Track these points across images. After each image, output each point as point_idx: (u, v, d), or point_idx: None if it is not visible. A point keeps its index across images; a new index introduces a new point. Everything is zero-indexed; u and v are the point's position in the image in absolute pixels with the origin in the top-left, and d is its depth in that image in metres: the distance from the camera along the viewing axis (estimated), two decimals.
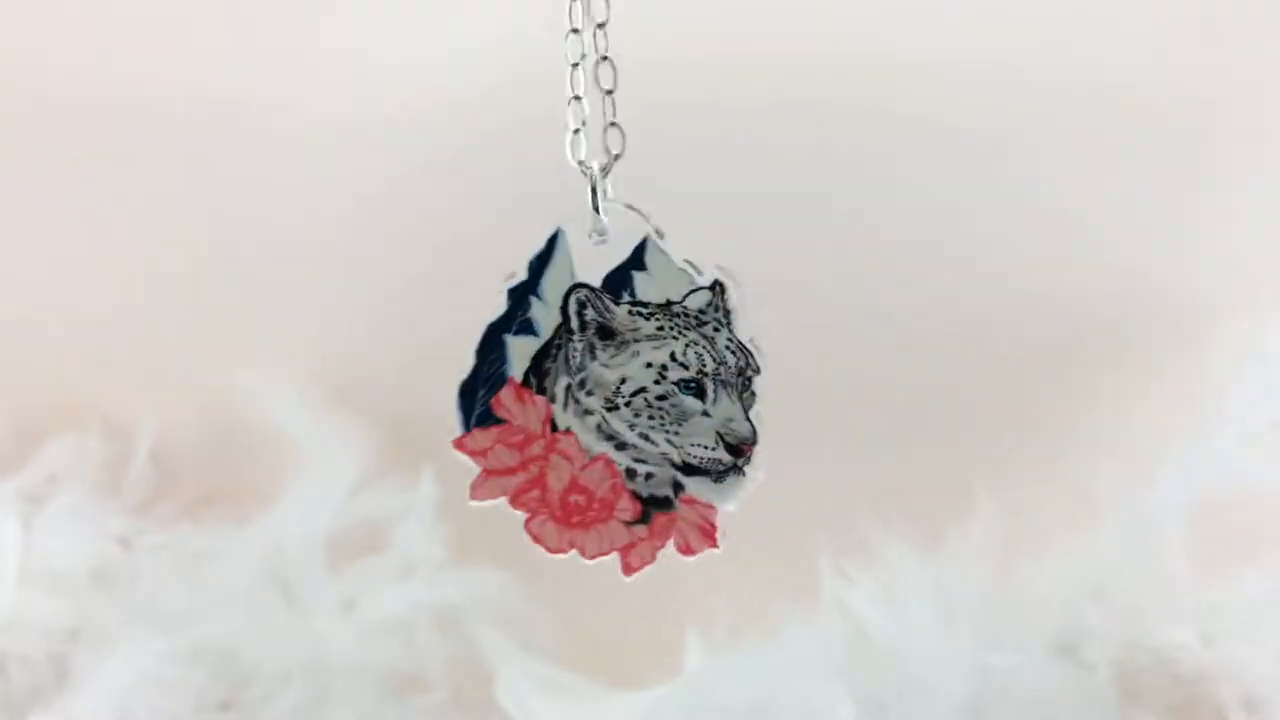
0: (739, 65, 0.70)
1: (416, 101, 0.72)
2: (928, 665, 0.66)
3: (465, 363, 0.52)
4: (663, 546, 0.52)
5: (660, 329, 0.52)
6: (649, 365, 0.52)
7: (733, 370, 0.52)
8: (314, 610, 0.70)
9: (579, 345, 0.52)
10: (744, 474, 0.52)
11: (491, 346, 0.52)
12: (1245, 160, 0.72)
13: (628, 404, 0.52)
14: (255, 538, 0.70)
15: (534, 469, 0.52)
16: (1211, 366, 0.70)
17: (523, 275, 0.52)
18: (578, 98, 0.52)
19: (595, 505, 0.52)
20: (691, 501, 0.52)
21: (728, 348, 0.52)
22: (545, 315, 0.52)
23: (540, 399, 0.52)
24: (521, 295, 0.52)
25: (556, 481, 0.52)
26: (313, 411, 0.72)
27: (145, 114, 0.72)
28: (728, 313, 0.52)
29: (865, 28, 0.71)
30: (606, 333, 0.52)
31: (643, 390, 0.52)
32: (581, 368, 0.52)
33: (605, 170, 0.52)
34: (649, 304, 0.52)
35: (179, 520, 0.72)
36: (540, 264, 0.52)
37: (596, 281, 0.52)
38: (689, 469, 0.52)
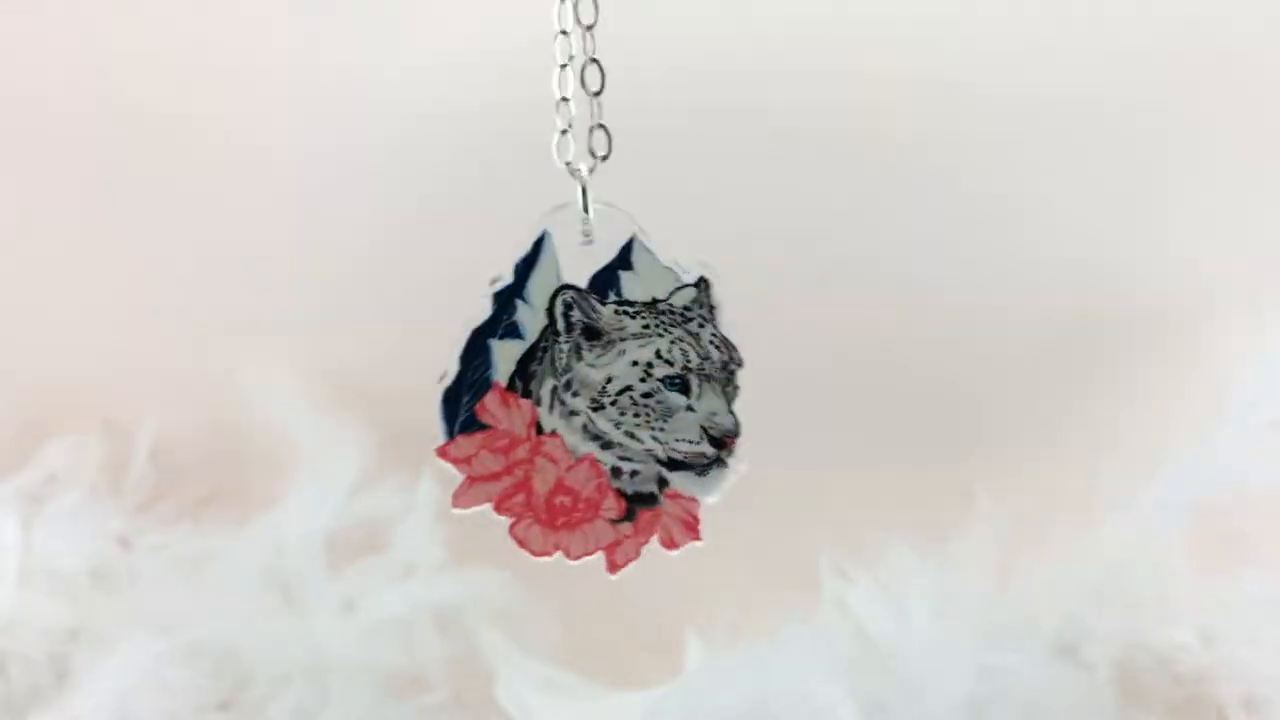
0: (727, 69, 0.71)
1: (416, 103, 0.72)
2: (928, 665, 0.66)
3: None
4: (647, 542, 0.52)
5: (646, 327, 0.52)
6: (635, 363, 0.52)
7: (716, 364, 0.52)
8: (314, 610, 0.70)
9: (565, 347, 0.52)
10: (726, 466, 0.52)
11: (476, 352, 0.52)
12: (1246, 160, 0.72)
13: (614, 403, 0.52)
14: (255, 538, 0.70)
15: (519, 473, 0.52)
16: (1211, 366, 0.69)
17: (508, 279, 0.52)
18: (565, 99, 0.52)
19: (581, 506, 0.52)
20: (675, 496, 0.52)
21: (712, 342, 0.52)
22: (531, 318, 0.52)
23: (526, 402, 0.52)
24: (507, 299, 0.52)
25: (541, 484, 0.52)
26: (313, 412, 0.71)
27: (145, 116, 0.72)
28: (712, 308, 0.52)
29: (850, 30, 0.71)
30: (593, 333, 0.52)
31: (629, 388, 0.52)
32: (568, 369, 0.52)
33: (592, 171, 0.52)
34: (635, 303, 0.52)
35: (179, 520, 0.72)
36: (526, 267, 0.52)
37: (583, 283, 0.52)
38: (674, 464, 0.52)
